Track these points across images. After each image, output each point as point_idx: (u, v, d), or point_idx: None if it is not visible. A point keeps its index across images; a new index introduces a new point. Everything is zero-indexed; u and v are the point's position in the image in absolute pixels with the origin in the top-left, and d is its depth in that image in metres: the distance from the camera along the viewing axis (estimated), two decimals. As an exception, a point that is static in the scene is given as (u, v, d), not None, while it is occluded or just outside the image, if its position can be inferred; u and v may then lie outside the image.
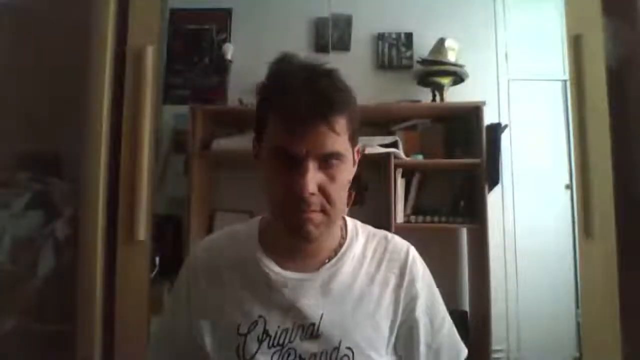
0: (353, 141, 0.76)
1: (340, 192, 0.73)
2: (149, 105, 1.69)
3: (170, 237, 2.22)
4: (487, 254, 2.04)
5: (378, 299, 0.79)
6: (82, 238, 1.63)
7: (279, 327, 0.75)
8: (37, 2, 1.96)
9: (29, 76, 1.94)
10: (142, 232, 1.64)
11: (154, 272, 1.90)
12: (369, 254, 0.83)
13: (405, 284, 0.81)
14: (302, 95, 0.67)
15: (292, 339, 0.74)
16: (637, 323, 1.58)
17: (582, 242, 1.61)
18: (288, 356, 0.74)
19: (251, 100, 2.34)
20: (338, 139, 0.70)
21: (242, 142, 2.23)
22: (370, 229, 0.88)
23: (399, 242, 0.86)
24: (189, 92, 2.44)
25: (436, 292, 0.85)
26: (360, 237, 0.85)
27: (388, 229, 2.10)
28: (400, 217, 2.15)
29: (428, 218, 2.16)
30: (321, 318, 0.75)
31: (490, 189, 2.14)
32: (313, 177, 0.68)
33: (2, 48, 1.93)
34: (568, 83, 1.71)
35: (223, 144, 2.21)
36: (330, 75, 0.72)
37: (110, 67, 1.68)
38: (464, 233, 2.35)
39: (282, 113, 0.69)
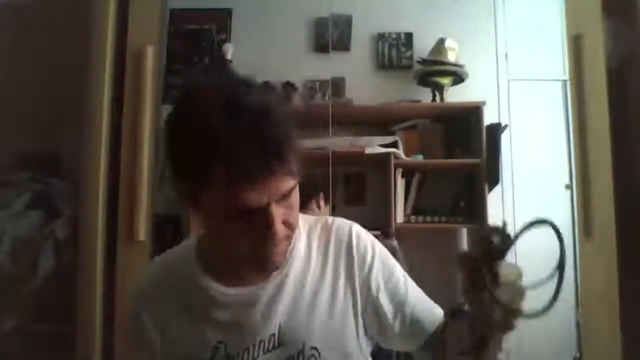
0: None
1: (297, 214, 0.70)
2: (149, 105, 1.69)
3: (170, 237, 2.22)
4: (487, 254, 2.04)
5: (332, 289, 0.76)
6: (82, 238, 1.63)
7: (239, 347, 0.72)
8: (37, 2, 1.96)
9: (29, 76, 1.94)
10: (142, 232, 1.64)
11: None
12: (314, 245, 0.80)
13: (355, 262, 0.78)
14: (251, 145, 0.58)
15: (255, 356, 0.72)
16: (637, 323, 1.58)
17: (582, 242, 1.61)
18: None
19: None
20: (294, 173, 0.65)
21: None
22: (310, 218, 0.84)
23: (341, 223, 0.82)
24: (189, 92, 2.44)
25: (390, 261, 0.81)
26: (302, 230, 0.80)
27: (388, 229, 2.11)
28: (400, 217, 2.15)
29: (428, 218, 2.16)
30: (279, 327, 0.73)
31: (490, 189, 2.14)
32: (279, 221, 0.64)
33: (2, 48, 1.93)
34: (568, 83, 1.71)
35: (223, 144, 2.21)
36: (267, 109, 0.62)
37: (110, 67, 1.68)
38: (464, 233, 2.34)
39: (230, 169, 0.59)
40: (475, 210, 2.16)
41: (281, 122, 0.63)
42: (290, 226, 0.68)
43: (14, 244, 1.75)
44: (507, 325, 0.55)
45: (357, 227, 0.82)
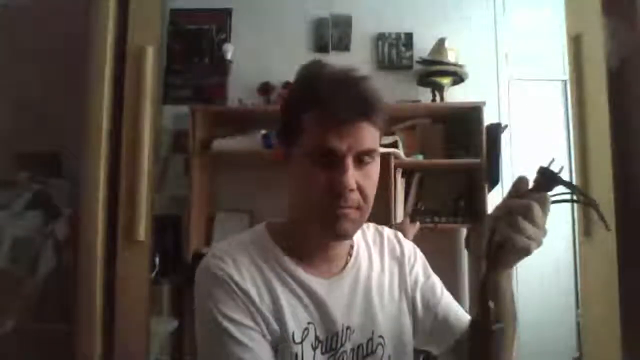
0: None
1: (373, 189, 0.74)
2: (149, 105, 1.69)
3: (170, 237, 2.22)
4: (487, 254, 2.04)
5: (390, 288, 0.83)
6: (82, 238, 1.63)
7: (327, 331, 0.75)
8: (37, 2, 1.96)
9: (29, 76, 1.94)
10: (142, 232, 1.64)
11: (154, 272, 1.90)
12: (372, 246, 0.87)
13: (406, 265, 0.86)
14: (343, 94, 0.69)
15: (343, 341, 0.76)
16: (637, 323, 1.58)
17: (582, 242, 1.61)
18: None
19: (251, 100, 2.34)
20: (375, 135, 0.72)
21: (242, 142, 2.24)
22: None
23: (388, 230, 0.92)
24: (189, 92, 2.44)
25: (428, 266, 0.90)
26: (361, 233, 0.88)
27: (388, 229, 2.11)
28: (400, 217, 2.15)
29: (428, 218, 2.16)
30: (355, 319, 0.78)
31: (490, 189, 2.14)
32: (353, 174, 0.70)
33: (2, 48, 1.93)
34: (568, 83, 1.71)
35: (223, 144, 2.21)
36: (365, 79, 0.74)
37: (110, 67, 1.68)
38: (464, 233, 2.35)
39: (323, 112, 0.70)
40: (475, 210, 2.16)
41: (371, 87, 0.73)
42: (363, 194, 0.72)
43: (14, 244, 1.75)
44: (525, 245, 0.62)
45: (401, 234, 0.92)
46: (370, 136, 0.71)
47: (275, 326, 0.72)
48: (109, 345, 1.61)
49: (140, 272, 1.66)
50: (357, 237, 0.85)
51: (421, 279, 0.86)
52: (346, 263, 0.82)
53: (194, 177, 2.15)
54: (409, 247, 0.90)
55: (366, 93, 0.71)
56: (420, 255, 0.90)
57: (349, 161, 0.69)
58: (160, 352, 1.99)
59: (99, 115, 1.66)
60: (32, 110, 1.92)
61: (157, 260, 2.00)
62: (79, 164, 1.68)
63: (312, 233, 0.76)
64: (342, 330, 0.76)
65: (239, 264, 0.74)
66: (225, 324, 0.70)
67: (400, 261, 0.86)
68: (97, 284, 1.60)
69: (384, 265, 0.85)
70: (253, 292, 0.73)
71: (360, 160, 0.71)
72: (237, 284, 0.72)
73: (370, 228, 0.90)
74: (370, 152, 0.72)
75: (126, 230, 1.65)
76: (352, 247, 0.84)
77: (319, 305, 0.76)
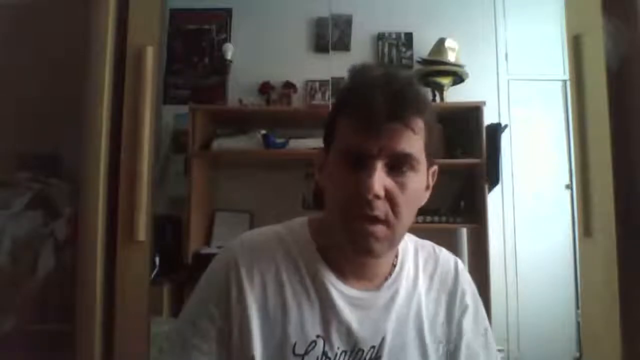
0: (429, 157, 0.70)
1: (409, 205, 0.67)
2: (149, 105, 1.68)
3: (170, 237, 2.22)
4: (487, 253, 2.05)
5: (433, 318, 0.75)
6: (82, 238, 1.63)
7: (338, 348, 0.69)
8: (37, 1, 1.96)
9: (29, 76, 1.94)
10: (142, 232, 1.64)
11: (154, 272, 1.90)
12: (421, 266, 0.79)
13: (457, 299, 0.77)
14: (376, 94, 0.65)
15: None
16: (637, 323, 1.58)
17: (582, 242, 1.60)
18: None
19: (251, 100, 2.34)
20: (412, 140, 0.66)
21: (242, 142, 2.24)
22: (414, 237, 0.83)
23: (447, 254, 0.83)
24: (189, 92, 2.44)
25: (482, 309, 0.81)
26: (410, 246, 0.80)
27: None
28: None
29: (428, 218, 2.16)
30: (383, 340, 0.71)
31: (490, 189, 2.15)
32: (380, 178, 0.64)
33: (2, 47, 1.93)
34: (568, 83, 1.71)
35: (223, 144, 2.21)
36: (408, 78, 0.69)
37: (110, 67, 1.67)
38: (464, 233, 2.35)
39: (354, 112, 0.67)
40: (475, 210, 2.16)
41: (412, 89, 0.68)
42: (393, 206, 0.66)
43: (14, 244, 1.75)
44: None
45: (461, 264, 0.82)
46: (405, 140, 0.65)
47: (278, 332, 0.69)
48: (109, 345, 1.61)
49: (140, 272, 1.66)
50: (406, 250, 0.78)
51: (470, 327, 0.77)
52: (385, 279, 0.75)
53: (194, 177, 2.15)
54: (468, 282, 0.80)
55: (403, 94, 0.66)
56: (476, 295, 0.80)
57: (378, 165, 0.64)
58: (160, 352, 1.99)
59: (99, 115, 1.66)
60: (32, 110, 1.92)
61: (157, 260, 2.00)
62: (79, 164, 1.67)
63: (340, 242, 0.70)
64: (354, 351, 0.70)
65: (254, 264, 0.71)
66: (186, 325, 0.70)
67: (452, 295, 0.77)
68: (97, 284, 1.60)
69: (430, 292, 0.77)
70: (250, 300, 0.69)
71: (396, 167, 0.66)
72: (235, 276, 0.70)
73: (425, 247, 0.82)
74: (406, 158, 0.66)
75: (126, 230, 1.64)
76: (394, 264, 0.77)
77: (336, 318, 0.70)
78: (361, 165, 0.65)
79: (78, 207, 1.69)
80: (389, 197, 0.65)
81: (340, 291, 0.71)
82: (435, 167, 0.75)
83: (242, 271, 0.71)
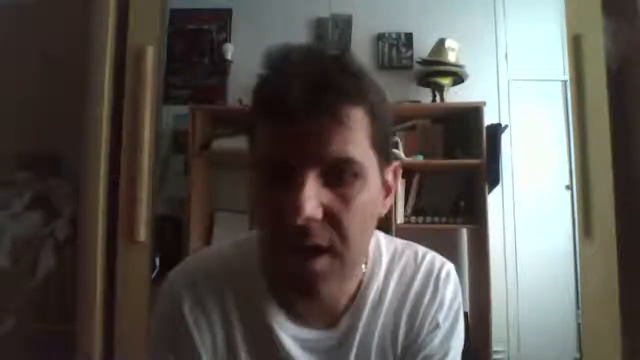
0: (381, 153, 0.54)
1: (359, 223, 0.51)
2: (149, 105, 1.69)
3: (170, 237, 2.22)
4: (487, 254, 2.04)
5: (402, 340, 0.62)
6: (82, 238, 1.63)
7: None
8: (37, 2, 1.96)
9: (29, 76, 1.94)
10: (142, 232, 1.64)
11: (154, 272, 1.90)
12: (392, 285, 0.63)
13: (428, 319, 0.63)
14: (293, 83, 0.48)
15: None
16: (637, 323, 1.58)
17: (582, 242, 1.60)
18: None
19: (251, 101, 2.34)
20: (352, 139, 0.49)
21: (242, 142, 2.24)
22: (397, 243, 0.67)
23: (430, 264, 0.65)
24: (189, 92, 2.44)
25: (458, 324, 0.67)
26: (384, 258, 0.64)
27: (388, 229, 2.11)
28: (400, 218, 2.15)
29: (428, 218, 2.16)
30: None
31: (490, 189, 2.14)
32: (314, 194, 0.48)
33: (2, 48, 1.93)
34: (568, 83, 1.71)
35: (223, 144, 2.21)
36: (337, 57, 0.53)
37: (110, 67, 1.68)
38: (464, 233, 2.34)
39: (267, 111, 0.51)
40: (475, 210, 2.16)
41: (348, 71, 0.51)
42: (338, 227, 0.50)
43: (14, 244, 1.75)
44: None
45: (446, 273, 0.66)
46: (339, 139, 0.49)
47: None
48: (109, 345, 1.61)
49: (140, 272, 1.66)
50: (375, 266, 0.63)
51: (437, 344, 0.63)
52: (346, 309, 0.61)
53: (193, 177, 2.15)
54: (452, 287, 0.65)
55: (327, 79, 0.49)
56: (457, 308, 0.67)
57: (309, 177, 0.48)
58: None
59: (99, 115, 1.66)
60: (32, 110, 1.91)
61: (157, 260, 2.00)
62: (79, 164, 1.68)
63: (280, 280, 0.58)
64: None
65: (199, 303, 0.60)
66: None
67: (425, 310, 0.63)
68: (97, 284, 1.60)
69: (400, 312, 0.62)
70: (199, 347, 0.59)
71: (335, 176, 0.50)
72: (180, 323, 0.60)
73: (405, 252, 0.66)
74: (345, 164, 0.49)
75: (126, 231, 1.65)
76: (360, 285, 0.62)
77: None
78: (285, 180, 0.49)
79: (78, 207, 1.69)
80: (330, 217, 0.49)
81: (291, 335, 0.59)
82: (395, 164, 0.60)
83: (188, 316, 0.60)
